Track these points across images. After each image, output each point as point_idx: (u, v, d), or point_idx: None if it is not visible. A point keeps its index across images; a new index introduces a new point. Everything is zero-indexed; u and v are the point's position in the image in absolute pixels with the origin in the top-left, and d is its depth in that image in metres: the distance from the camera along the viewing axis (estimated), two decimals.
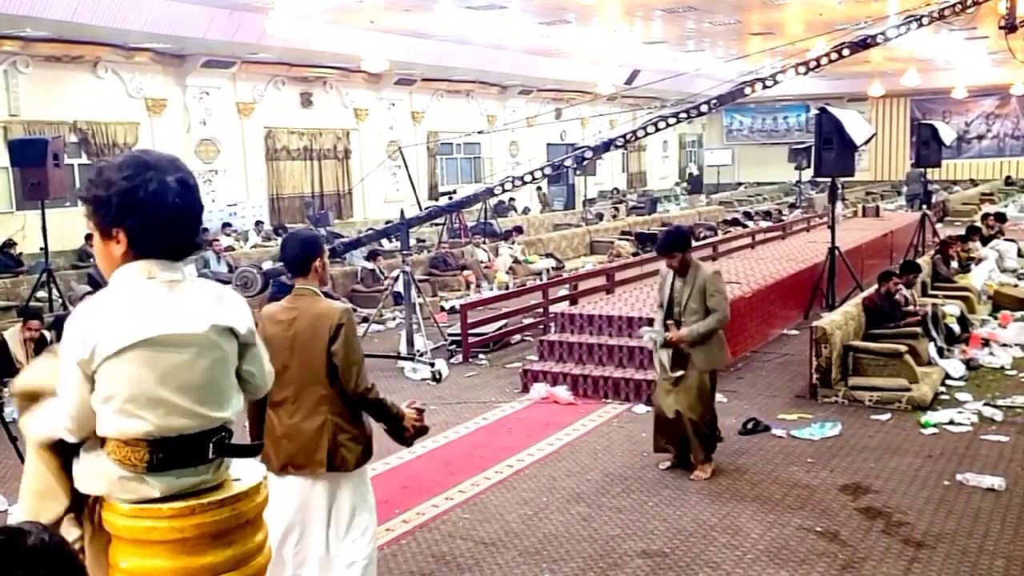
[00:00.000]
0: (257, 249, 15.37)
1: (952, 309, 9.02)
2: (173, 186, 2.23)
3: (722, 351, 5.77)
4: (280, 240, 4.31)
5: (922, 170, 23.85)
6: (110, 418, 2.22)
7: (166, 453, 2.23)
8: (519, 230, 16.10)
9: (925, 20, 10.35)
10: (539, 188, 24.14)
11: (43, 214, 9.95)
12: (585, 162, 12.60)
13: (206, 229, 15.30)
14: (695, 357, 5.60)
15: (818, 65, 10.39)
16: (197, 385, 2.26)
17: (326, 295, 3.70)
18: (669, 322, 5.65)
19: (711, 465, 5.70)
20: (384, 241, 12.96)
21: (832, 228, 10.43)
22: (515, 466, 5.99)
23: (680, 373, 5.64)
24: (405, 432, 3.68)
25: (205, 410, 2.28)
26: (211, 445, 2.30)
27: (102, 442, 2.27)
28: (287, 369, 3.44)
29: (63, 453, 2.32)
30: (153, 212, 2.21)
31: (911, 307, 8.48)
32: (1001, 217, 14.26)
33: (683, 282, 5.64)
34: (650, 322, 7.75)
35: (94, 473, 2.27)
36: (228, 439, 2.36)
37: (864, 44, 10.25)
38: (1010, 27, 10.61)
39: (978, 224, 13.65)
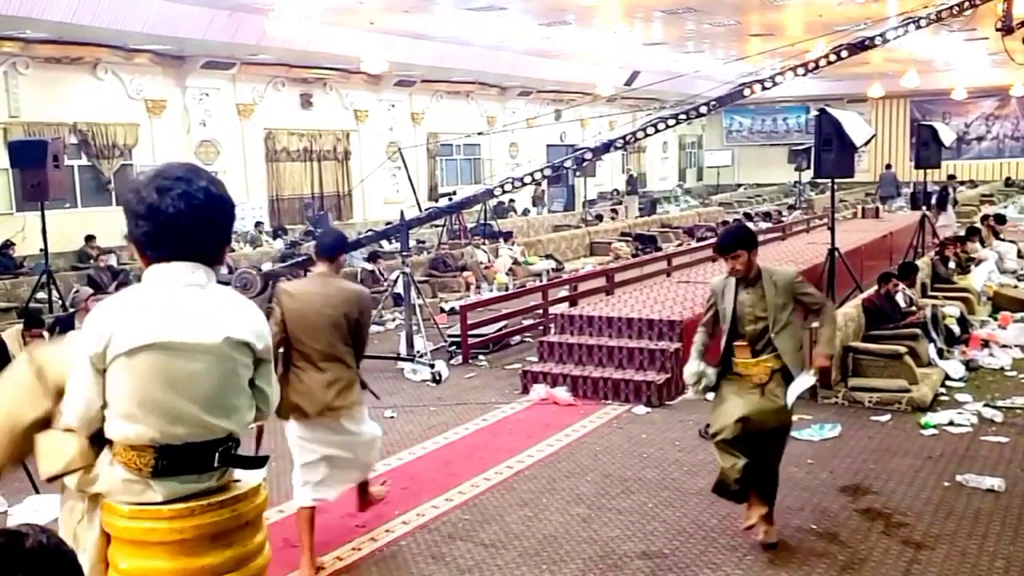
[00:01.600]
0: (257, 250, 15.36)
1: (952, 310, 9.02)
2: (157, 199, 2.24)
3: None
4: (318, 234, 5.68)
5: (894, 172, 23.85)
6: (115, 422, 2.22)
7: (171, 460, 2.23)
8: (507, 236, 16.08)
9: (924, 22, 10.36)
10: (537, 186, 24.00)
11: (43, 215, 9.96)
12: (585, 163, 12.60)
13: None
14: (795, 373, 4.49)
15: (817, 66, 10.39)
16: (205, 394, 2.26)
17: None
18: (738, 344, 4.50)
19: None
20: (384, 242, 12.96)
21: (832, 229, 10.43)
22: (515, 467, 5.99)
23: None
24: None
25: (210, 419, 2.27)
26: (217, 455, 2.30)
27: (109, 443, 2.27)
28: (319, 331, 4.37)
29: None
30: (150, 223, 2.26)
31: (913, 307, 8.47)
32: (1001, 219, 14.28)
33: (754, 292, 4.47)
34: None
35: (99, 473, 2.27)
36: (235, 449, 2.35)
37: (863, 46, 10.25)
38: (1007, 29, 10.61)
39: (978, 225, 13.66)
